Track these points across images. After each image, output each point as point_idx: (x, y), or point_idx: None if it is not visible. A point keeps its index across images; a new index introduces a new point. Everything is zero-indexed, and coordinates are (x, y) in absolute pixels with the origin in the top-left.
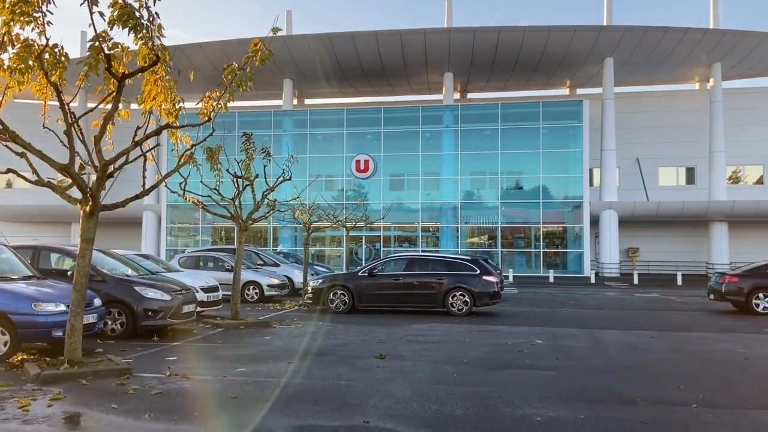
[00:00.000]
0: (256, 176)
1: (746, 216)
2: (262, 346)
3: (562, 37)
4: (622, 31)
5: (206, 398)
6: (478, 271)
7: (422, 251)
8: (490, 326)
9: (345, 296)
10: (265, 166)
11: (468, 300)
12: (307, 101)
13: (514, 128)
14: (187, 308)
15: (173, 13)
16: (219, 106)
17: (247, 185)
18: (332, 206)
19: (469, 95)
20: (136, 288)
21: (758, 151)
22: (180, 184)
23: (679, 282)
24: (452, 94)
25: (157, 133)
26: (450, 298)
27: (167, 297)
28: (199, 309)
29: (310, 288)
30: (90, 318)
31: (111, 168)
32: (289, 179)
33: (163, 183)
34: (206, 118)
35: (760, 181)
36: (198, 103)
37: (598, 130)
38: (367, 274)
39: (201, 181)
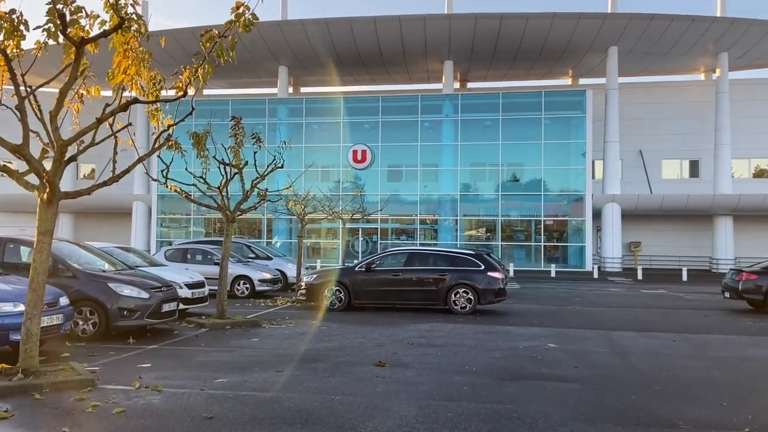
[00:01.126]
0: (246, 164)
1: (753, 210)
2: (249, 350)
3: (566, 24)
4: (627, 18)
5: (176, 419)
6: (483, 267)
7: (420, 244)
8: (497, 327)
9: (341, 293)
10: (255, 153)
11: (472, 297)
12: (303, 89)
13: (516, 118)
14: (167, 307)
15: (166, 3)
16: (196, 77)
17: (235, 173)
18: (328, 197)
19: (469, 85)
20: (111, 285)
21: (765, 144)
22: (162, 171)
23: (685, 278)
24: (452, 83)
25: (123, 108)
26: (452, 295)
27: (145, 295)
28: (183, 307)
29: (303, 283)
30: (55, 319)
31: (73, 151)
32: (281, 167)
33: (143, 170)
34: (181, 93)
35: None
36: (172, 76)
37: (600, 121)
38: (364, 269)
39: (186, 169)
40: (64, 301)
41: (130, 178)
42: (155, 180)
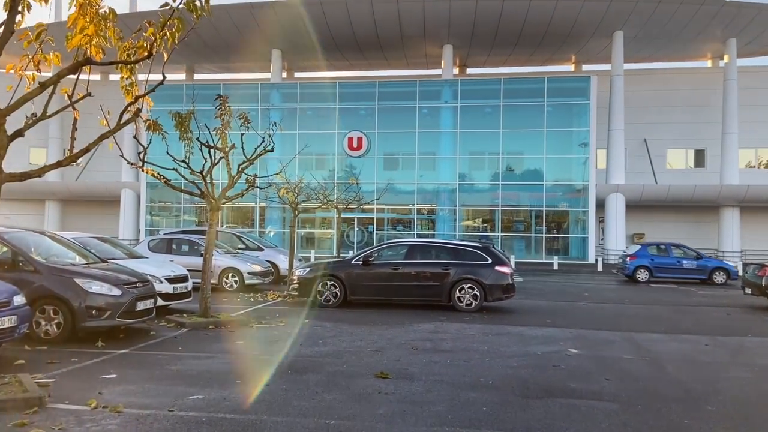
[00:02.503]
0: (232, 146)
1: (761, 201)
2: (232, 357)
3: (571, 7)
4: (634, 1)
5: None
6: (490, 261)
7: (418, 235)
8: (508, 327)
9: (336, 288)
10: (242, 135)
11: (478, 294)
12: (297, 74)
13: (517, 105)
14: (142, 305)
15: None
16: (164, 36)
17: (221, 158)
18: (322, 185)
19: (469, 70)
20: (78, 280)
21: None
22: (139, 154)
23: None
24: (451, 68)
25: (72, 70)
26: (457, 291)
27: (116, 291)
28: (163, 303)
29: (295, 277)
30: (6, 321)
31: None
32: (271, 151)
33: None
34: (145, 53)
35: None
36: (134, 34)
37: (603, 108)
38: (361, 263)
39: (167, 152)
40: (19, 300)
41: (118, 165)
42: (131, 164)
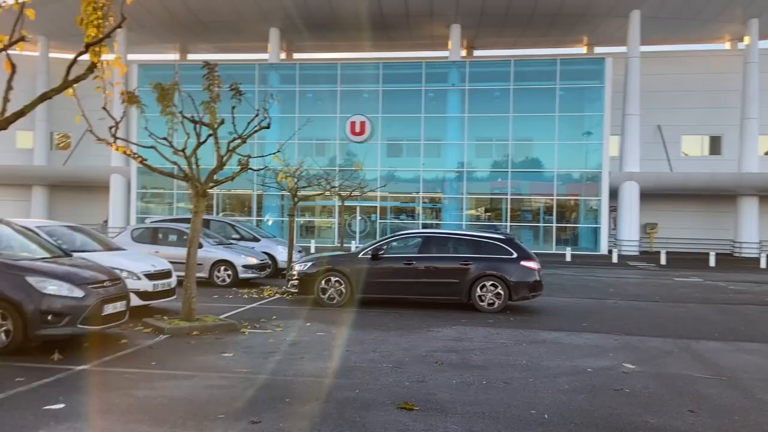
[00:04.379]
0: (221, 122)
1: None
2: (216, 376)
3: None
4: None
5: None
6: (515, 255)
7: (423, 225)
8: (542, 333)
9: (341, 284)
10: (234, 108)
11: (502, 292)
12: (297, 56)
13: (528, 89)
14: (111, 308)
15: None
16: None
17: (209, 135)
18: (325, 171)
19: (476, 53)
20: (30, 279)
21: None
22: (110, 128)
23: (712, 263)
24: (459, 49)
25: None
26: (478, 288)
27: (78, 292)
28: (141, 303)
29: (295, 272)
30: None
31: None
32: (268, 127)
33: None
34: None
35: None
36: None
37: (618, 93)
38: (369, 257)
39: (146, 128)
40: None
41: (108, 148)
42: (100, 140)
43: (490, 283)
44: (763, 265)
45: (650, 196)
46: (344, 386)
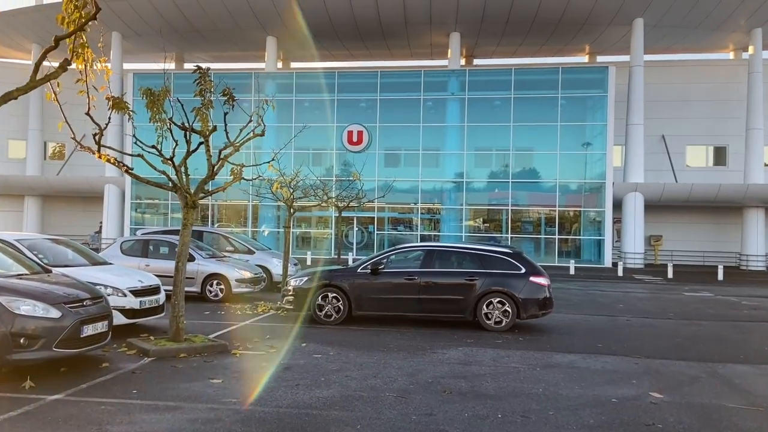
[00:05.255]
0: (213, 129)
1: None
2: (202, 408)
3: None
4: None
5: None
6: (523, 270)
7: (421, 236)
8: (555, 355)
9: (338, 300)
10: (226, 114)
11: (509, 309)
12: (293, 65)
13: (529, 97)
14: (91, 329)
15: None
16: None
17: (200, 142)
18: (322, 182)
19: (476, 62)
20: (2, 298)
21: None
22: (94, 135)
23: (720, 276)
24: (458, 57)
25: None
26: (484, 306)
27: (54, 313)
28: (127, 321)
29: (291, 287)
30: None
31: None
32: (262, 134)
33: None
34: None
35: None
36: None
37: (620, 102)
38: (369, 271)
39: (133, 135)
40: None
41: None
42: (82, 147)
43: (497, 300)
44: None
45: (654, 207)
46: (344, 420)
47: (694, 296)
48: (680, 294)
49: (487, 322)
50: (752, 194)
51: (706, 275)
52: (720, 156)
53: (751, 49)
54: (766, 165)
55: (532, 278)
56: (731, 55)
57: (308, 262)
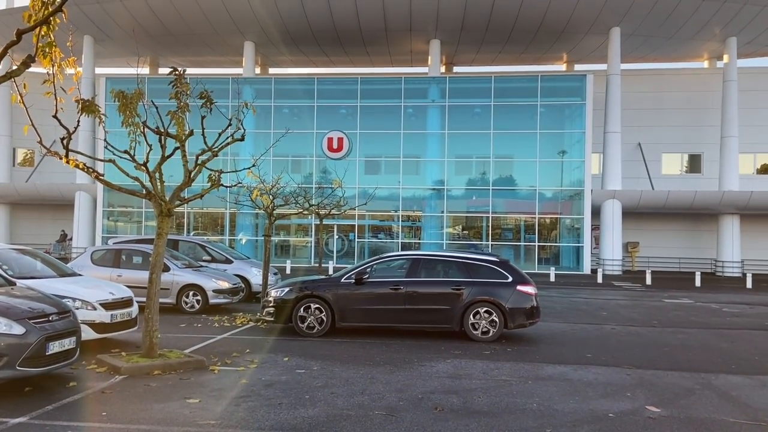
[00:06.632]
0: (190, 133)
1: (763, 209)
2: (176, 431)
3: (567, 1)
4: None
5: None
6: (510, 279)
7: (402, 244)
8: (546, 367)
9: (321, 312)
10: (203, 118)
11: (497, 319)
12: (272, 70)
13: (509, 105)
14: (58, 345)
15: None
16: None
17: (176, 148)
18: (303, 189)
19: (455, 69)
20: None
21: None
22: (62, 139)
23: (698, 283)
24: (438, 64)
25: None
26: (471, 316)
27: (17, 329)
28: (97, 336)
29: (271, 298)
30: None
31: None
32: (242, 139)
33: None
34: None
35: None
36: None
37: (597, 110)
38: (353, 281)
39: (104, 139)
40: None
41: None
42: (49, 152)
43: (484, 309)
44: (749, 285)
45: (631, 214)
46: None
47: (674, 303)
48: (661, 301)
49: (474, 332)
50: (727, 201)
51: (684, 281)
52: (695, 163)
53: (726, 57)
54: (758, 173)
55: (519, 287)
56: (706, 64)
57: (288, 271)
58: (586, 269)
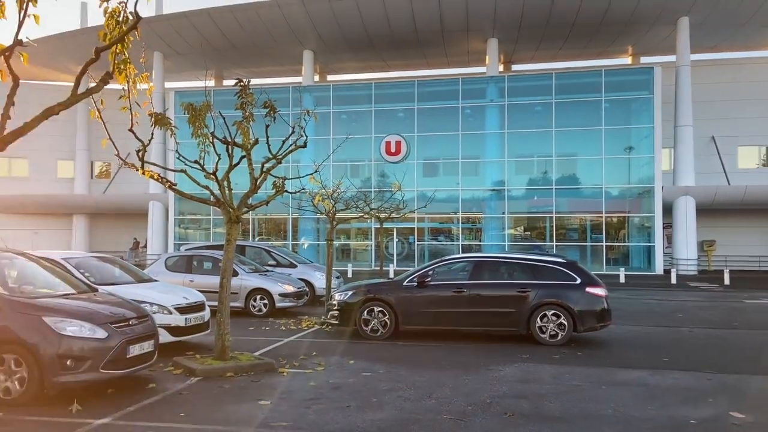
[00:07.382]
0: (256, 141)
1: None
2: None
3: None
4: None
5: None
6: (579, 281)
7: (462, 246)
8: (620, 372)
9: (385, 315)
10: (268, 126)
11: (565, 322)
12: (330, 77)
13: (571, 102)
14: (138, 348)
15: None
16: None
17: (242, 156)
18: (363, 193)
19: (514, 67)
20: (48, 319)
21: None
22: (137, 152)
23: None
24: (497, 63)
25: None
26: (538, 319)
27: (101, 333)
28: (173, 339)
29: (335, 301)
30: None
31: None
32: (304, 146)
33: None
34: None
35: None
36: None
37: (667, 104)
38: (415, 284)
39: (176, 150)
40: None
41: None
42: (125, 164)
43: (552, 312)
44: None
45: (706, 211)
46: None
47: (756, 304)
48: (741, 302)
49: (542, 335)
50: None
51: (765, 281)
52: None
53: None
54: None
55: (588, 289)
56: None
57: (349, 275)
58: (659, 269)
